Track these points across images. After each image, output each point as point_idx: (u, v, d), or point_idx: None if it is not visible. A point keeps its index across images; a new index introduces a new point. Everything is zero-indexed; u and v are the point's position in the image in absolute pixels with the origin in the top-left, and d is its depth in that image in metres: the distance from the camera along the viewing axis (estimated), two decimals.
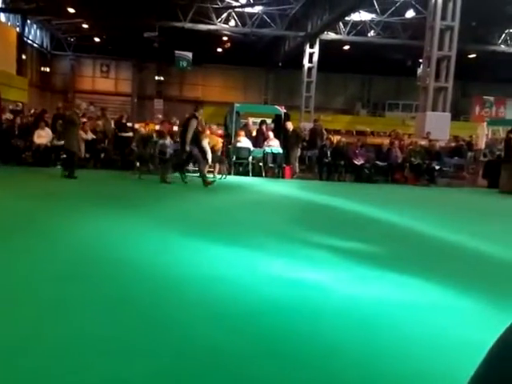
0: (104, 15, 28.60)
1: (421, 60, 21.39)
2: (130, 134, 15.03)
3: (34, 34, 36.09)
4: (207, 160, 12.18)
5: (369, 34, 29.81)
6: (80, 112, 12.31)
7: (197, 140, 11.52)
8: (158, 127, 17.65)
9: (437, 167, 15.41)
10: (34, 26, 35.52)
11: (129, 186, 11.47)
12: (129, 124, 15.92)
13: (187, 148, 11.38)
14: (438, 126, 17.50)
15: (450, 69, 18.48)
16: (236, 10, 28.55)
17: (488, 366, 0.55)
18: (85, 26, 33.32)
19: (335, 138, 16.79)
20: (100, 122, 15.76)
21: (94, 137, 14.89)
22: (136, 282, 3.80)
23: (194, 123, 11.31)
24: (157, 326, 2.94)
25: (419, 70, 24.98)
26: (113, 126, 15.86)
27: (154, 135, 14.86)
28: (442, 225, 7.58)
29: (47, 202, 8.05)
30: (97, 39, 37.12)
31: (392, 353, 2.76)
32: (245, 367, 2.48)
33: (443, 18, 18.08)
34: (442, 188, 14.97)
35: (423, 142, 16.37)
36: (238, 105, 15.96)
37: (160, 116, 23.77)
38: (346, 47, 32.42)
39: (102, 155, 15.16)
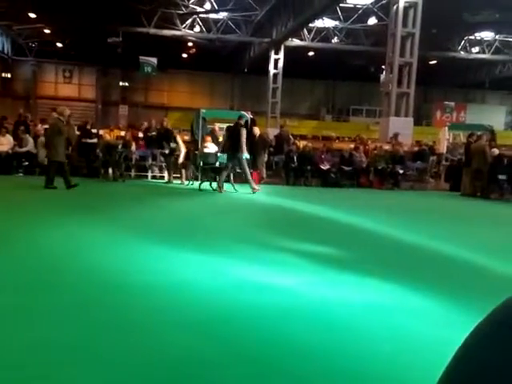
0: (66, 20, 28.13)
1: (383, 66, 21.78)
2: (95, 140, 14.81)
3: None
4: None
5: (333, 41, 30.20)
6: (64, 119, 11.57)
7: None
8: (123, 133, 17.48)
9: (400, 171, 15.71)
10: None
11: (93, 193, 11.30)
12: (93, 130, 15.67)
13: (246, 156, 12.01)
14: (401, 131, 17.81)
15: (412, 75, 18.87)
16: (201, 16, 28.51)
17: (450, 369, 0.57)
18: (46, 31, 32.71)
19: (301, 143, 16.94)
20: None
21: None
22: (102, 290, 3.74)
23: (244, 132, 11.54)
24: (124, 334, 2.91)
25: (382, 76, 25.43)
26: (77, 132, 15.60)
27: (120, 142, 14.75)
28: (406, 227, 7.73)
29: (10, 211, 7.86)
30: (59, 44, 36.48)
31: (361, 354, 2.80)
32: (215, 375, 2.48)
33: (404, 25, 18.45)
34: (406, 191, 15.27)
35: (387, 147, 16.67)
36: (204, 110, 15.91)
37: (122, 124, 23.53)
38: (311, 53, 32.77)
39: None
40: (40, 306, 3.33)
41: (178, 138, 13.92)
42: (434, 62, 31.81)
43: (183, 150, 14.09)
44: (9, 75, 38.25)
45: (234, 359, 2.65)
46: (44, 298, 3.47)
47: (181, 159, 14.09)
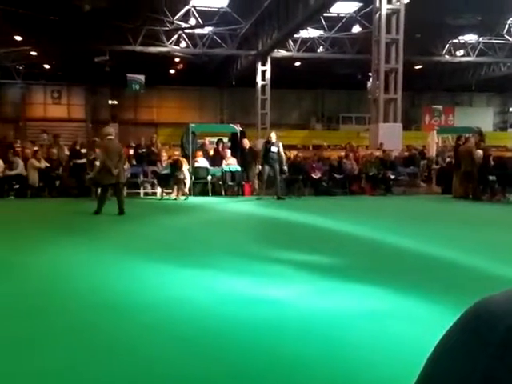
0: (52, 42, 28.21)
1: (370, 73, 21.93)
2: (84, 160, 14.76)
3: None
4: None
5: (318, 50, 30.39)
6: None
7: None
8: None
9: (392, 177, 15.76)
10: None
11: (82, 212, 11.25)
12: (83, 150, 15.62)
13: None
14: (391, 137, 17.91)
15: (398, 80, 18.98)
16: (186, 31, 28.65)
17: (419, 380, 0.58)
18: (33, 53, 32.75)
19: (292, 154, 16.97)
20: (54, 150, 15.47)
21: (48, 165, 14.59)
22: (91, 311, 3.72)
23: None
24: (113, 353, 2.89)
25: (369, 83, 25.60)
26: (67, 152, 15.59)
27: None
28: (399, 232, 7.74)
29: (2, 233, 7.81)
30: (47, 66, 36.50)
31: (355, 363, 2.79)
32: None
33: (388, 31, 18.58)
34: (398, 197, 15.30)
35: (378, 153, 16.73)
36: (193, 125, 15.96)
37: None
38: (298, 63, 32.97)
39: (57, 183, 14.86)
40: (29, 331, 3.30)
41: (185, 167, 13.82)
42: (419, 66, 32.07)
43: (188, 178, 14.04)
44: None
45: (222, 374, 2.64)
46: (33, 323, 3.44)
47: (187, 187, 14.01)
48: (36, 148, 16.42)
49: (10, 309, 3.78)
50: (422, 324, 3.45)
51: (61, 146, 16.22)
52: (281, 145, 13.86)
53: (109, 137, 10.19)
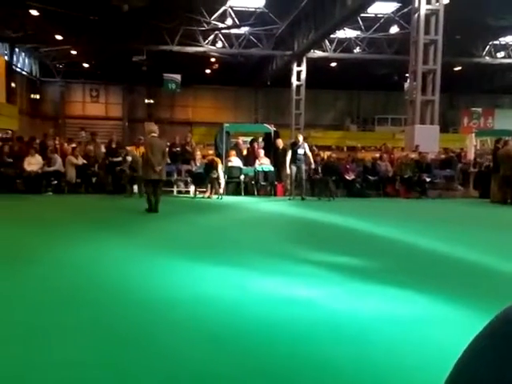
0: (91, 41, 28.81)
1: (407, 74, 21.61)
2: (120, 158, 15.00)
3: (23, 62, 36.21)
4: None
5: (355, 51, 30.15)
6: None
7: None
8: None
9: (427, 179, 15.50)
10: (23, 53, 35.68)
11: (118, 208, 11.44)
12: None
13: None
14: (427, 139, 17.62)
15: (436, 82, 18.67)
16: (223, 31, 28.83)
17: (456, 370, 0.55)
18: (73, 52, 33.51)
19: (325, 154, 16.88)
20: (91, 147, 15.80)
21: (85, 162, 14.91)
22: (125, 306, 3.76)
23: None
24: (147, 350, 2.91)
25: (406, 85, 25.24)
26: (103, 150, 15.89)
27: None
28: (435, 236, 7.59)
29: (40, 228, 8.01)
30: (86, 65, 37.30)
31: (386, 367, 2.74)
32: None
33: (426, 32, 18.30)
34: (434, 200, 15.04)
35: (413, 155, 16.48)
36: (227, 125, 16.07)
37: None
38: (333, 64, 32.77)
39: (94, 180, 15.17)
40: (65, 325, 3.36)
41: (220, 167, 14.02)
42: (459, 68, 31.44)
43: (223, 178, 14.22)
44: (37, 96, 39.23)
45: (252, 375, 2.63)
46: (69, 317, 3.50)
47: (221, 188, 14.18)
48: (74, 145, 16.80)
49: (44, 301, 3.86)
50: (455, 329, 3.37)
51: (97, 143, 16.55)
52: (307, 146, 13.95)
53: (152, 134, 10.29)
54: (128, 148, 16.74)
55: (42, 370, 2.61)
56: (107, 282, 4.44)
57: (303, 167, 13.67)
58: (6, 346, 2.94)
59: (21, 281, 4.48)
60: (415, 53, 18.46)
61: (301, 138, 14.08)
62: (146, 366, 2.67)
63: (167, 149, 15.60)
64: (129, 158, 14.17)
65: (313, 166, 13.91)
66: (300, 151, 13.63)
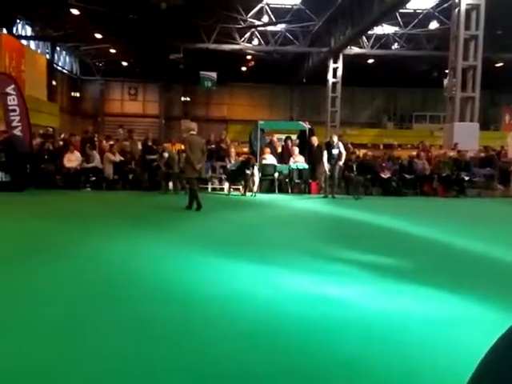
0: (130, 39, 29.27)
1: (447, 71, 21.17)
2: (155, 156, 15.19)
3: (64, 61, 37.12)
4: None
5: (393, 47, 29.73)
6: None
7: None
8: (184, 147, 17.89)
9: (466, 178, 15.15)
10: (63, 52, 36.56)
11: (154, 205, 11.59)
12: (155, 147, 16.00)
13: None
14: (467, 137, 17.23)
15: (477, 78, 18.24)
16: (259, 29, 28.84)
17: (481, 370, 0.55)
18: (112, 50, 34.12)
19: (361, 152, 16.70)
20: (127, 143, 16.06)
21: (122, 158, 15.16)
22: (159, 302, 3.81)
23: None
24: (180, 346, 2.94)
25: (445, 81, 24.73)
26: (140, 147, 16.12)
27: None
28: (473, 236, 7.43)
29: (78, 223, 8.19)
30: (124, 63, 37.95)
31: (417, 367, 2.70)
32: None
33: (467, 27, 17.89)
34: (472, 199, 14.70)
35: (452, 153, 16.14)
36: (261, 122, 16.07)
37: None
38: (370, 61, 32.38)
39: (130, 176, 15.41)
40: (99, 319, 3.43)
41: (256, 165, 14.27)
42: (500, 64, 30.58)
43: (257, 177, 14.39)
44: (78, 94, 40.13)
45: (284, 372, 2.63)
46: (104, 312, 3.57)
47: (255, 186, 14.34)
48: (111, 142, 17.11)
49: (80, 295, 3.94)
50: (489, 330, 3.28)
51: (134, 140, 16.80)
52: (341, 145, 13.80)
53: (192, 132, 10.36)
54: (164, 145, 16.94)
55: (76, 362, 2.67)
56: (142, 277, 4.51)
57: (337, 166, 13.57)
58: (42, 338, 3.02)
59: (58, 274, 4.59)
60: (455, 48, 18.08)
61: (335, 138, 13.96)
62: (179, 362, 2.70)
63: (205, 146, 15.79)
64: (165, 155, 14.35)
65: (340, 163, 13.71)
66: (334, 151, 13.54)
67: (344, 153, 13.76)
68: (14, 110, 14.25)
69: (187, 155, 10.12)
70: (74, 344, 2.93)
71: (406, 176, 15.33)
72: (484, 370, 0.54)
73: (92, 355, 2.76)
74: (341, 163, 13.71)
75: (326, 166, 13.55)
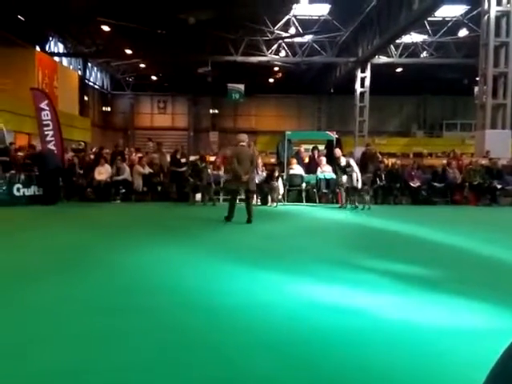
0: (159, 54, 29.77)
1: (477, 78, 20.86)
2: (184, 168, 15.34)
3: (95, 76, 37.98)
4: None
5: (421, 55, 29.47)
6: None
7: None
8: (212, 159, 18.07)
9: (498, 186, 14.83)
10: (95, 68, 37.42)
11: (182, 216, 11.69)
12: (182, 160, 16.17)
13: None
14: (498, 144, 16.92)
15: (508, 85, 17.94)
16: (286, 40, 28.99)
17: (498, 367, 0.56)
18: (142, 65, 34.77)
19: (390, 161, 16.53)
20: (156, 155, 16.27)
21: (152, 171, 15.36)
22: (179, 309, 3.83)
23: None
24: (207, 354, 2.95)
25: (476, 89, 24.37)
26: (168, 159, 16.31)
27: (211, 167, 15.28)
28: (507, 245, 7.25)
29: (107, 235, 8.31)
30: (153, 77, 38.61)
31: (444, 380, 2.64)
32: None
33: (497, 34, 17.66)
34: (505, 207, 14.36)
35: (484, 161, 15.84)
36: (289, 133, 16.09)
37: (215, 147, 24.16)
38: (399, 69, 32.16)
39: (159, 188, 15.59)
40: (129, 327, 3.47)
41: (280, 179, 14.42)
42: None
43: (282, 187, 14.49)
44: (109, 109, 40.96)
45: (309, 382, 2.60)
46: (133, 320, 3.61)
47: (280, 194, 14.45)
48: (140, 155, 17.35)
49: (105, 305, 3.99)
50: None
51: (163, 153, 17.01)
52: (353, 162, 13.60)
53: (241, 143, 10.29)
54: (192, 158, 17.12)
55: (100, 374, 2.71)
56: (172, 286, 4.55)
57: (354, 176, 13.30)
58: (66, 348, 3.07)
59: (86, 284, 4.67)
60: (485, 56, 17.84)
61: (343, 159, 13.74)
62: (204, 370, 2.71)
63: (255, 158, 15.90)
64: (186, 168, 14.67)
65: (356, 176, 13.41)
66: (349, 169, 13.40)
67: (358, 172, 13.44)
68: (48, 125, 14.61)
69: (232, 167, 10.03)
70: (100, 354, 2.97)
71: (436, 185, 15.09)
72: (499, 371, 0.54)
73: (117, 367, 2.78)
74: (358, 176, 13.39)
75: (343, 177, 13.45)
